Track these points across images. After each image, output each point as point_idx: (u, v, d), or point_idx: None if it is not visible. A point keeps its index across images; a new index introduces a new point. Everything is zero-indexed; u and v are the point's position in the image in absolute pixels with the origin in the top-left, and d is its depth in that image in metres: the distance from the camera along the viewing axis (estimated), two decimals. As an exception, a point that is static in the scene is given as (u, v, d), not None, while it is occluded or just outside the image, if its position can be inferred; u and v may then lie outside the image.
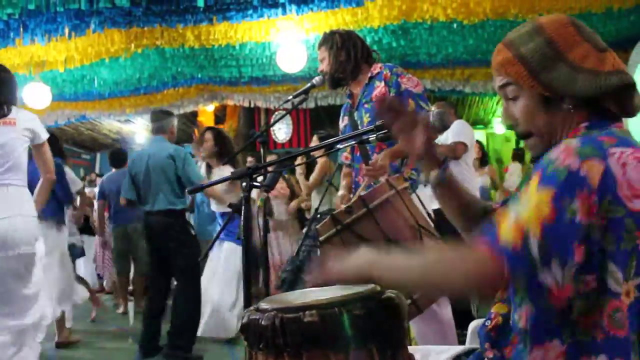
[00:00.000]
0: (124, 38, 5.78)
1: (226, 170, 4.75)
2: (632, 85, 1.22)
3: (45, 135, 3.48)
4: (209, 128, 5.70)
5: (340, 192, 3.28)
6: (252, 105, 8.89)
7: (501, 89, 1.31)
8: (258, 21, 5.75)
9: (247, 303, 1.84)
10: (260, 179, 2.02)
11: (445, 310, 2.82)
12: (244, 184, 1.98)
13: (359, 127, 3.01)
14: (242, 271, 1.93)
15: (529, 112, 1.27)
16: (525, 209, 1.09)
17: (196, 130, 10.52)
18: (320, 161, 5.68)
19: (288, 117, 10.91)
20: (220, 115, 11.25)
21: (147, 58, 6.56)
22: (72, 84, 7.33)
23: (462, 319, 3.61)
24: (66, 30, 5.38)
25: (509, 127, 1.34)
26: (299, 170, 5.75)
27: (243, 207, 1.97)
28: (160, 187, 4.48)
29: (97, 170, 12.62)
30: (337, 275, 1.24)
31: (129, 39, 5.83)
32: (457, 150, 4.42)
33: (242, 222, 1.97)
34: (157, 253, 4.60)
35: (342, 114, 3.27)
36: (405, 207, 2.26)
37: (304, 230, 6.20)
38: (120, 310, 6.83)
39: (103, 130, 11.84)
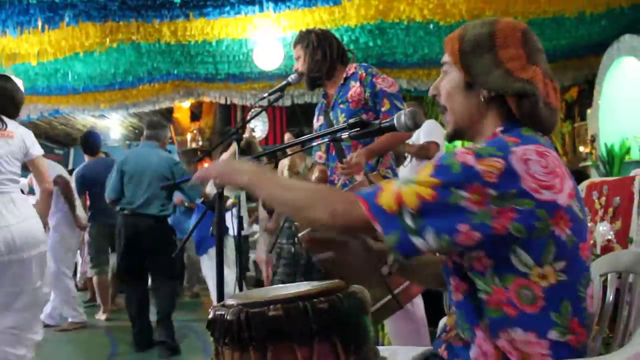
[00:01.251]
0: (98, 32, 5.71)
1: None
2: (533, 96, 1.27)
3: (40, 150, 3.52)
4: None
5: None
6: (228, 102, 8.85)
7: (442, 62, 1.41)
8: (235, 18, 5.73)
9: (220, 299, 1.84)
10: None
11: (418, 308, 2.85)
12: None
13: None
14: (216, 267, 1.93)
15: (450, 88, 1.37)
16: (408, 184, 1.18)
17: (172, 127, 10.46)
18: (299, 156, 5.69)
19: (264, 114, 10.89)
20: (196, 112, 11.19)
21: (122, 53, 6.49)
22: (45, 78, 7.21)
23: (434, 316, 3.64)
24: (39, 23, 5.29)
25: (433, 97, 1.44)
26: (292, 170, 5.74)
27: (216, 204, 1.97)
28: (156, 193, 4.56)
29: (70, 166, 12.44)
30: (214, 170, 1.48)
31: (104, 33, 5.75)
32: (430, 149, 4.44)
33: (215, 219, 1.96)
34: (139, 253, 4.61)
35: (316, 114, 3.27)
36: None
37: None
38: (104, 317, 6.20)
39: (77, 125, 11.68)
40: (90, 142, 6.21)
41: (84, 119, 11.34)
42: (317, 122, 3.23)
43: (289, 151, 4.59)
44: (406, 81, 7.95)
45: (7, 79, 3.52)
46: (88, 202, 6.12)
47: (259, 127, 11.10)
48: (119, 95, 8.35)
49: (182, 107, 10.60)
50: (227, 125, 10.60)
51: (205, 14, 5.61)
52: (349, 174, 2.77)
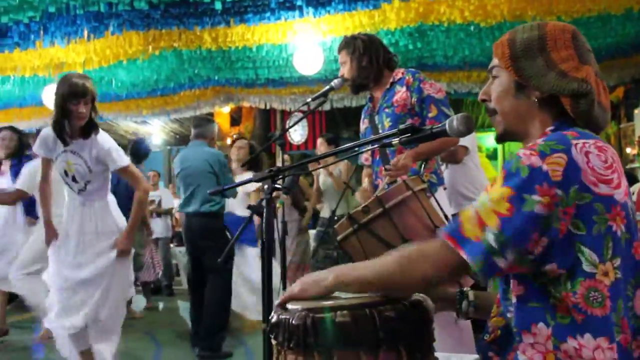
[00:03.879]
0: (141, 40, 5.82)
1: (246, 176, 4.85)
2: (590, 95, 1.28)
3: None
4: (242, 137, 5.84)
5: (364, 185, 3.26)
6: (268, 107, 8.91)
7: (490, 68, 1.43)
8: (275, 23, 5.77)
9: (269, 305, 1.84)
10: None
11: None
12: (265, 186, 1.98)
13: (379, 131, 3.01)
14: (262, 273, 1.93)
15: (501, 91, 1.39)
16: (485, 204, 1.19)
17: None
18: (346, 165, 5.69)
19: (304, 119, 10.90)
20: (236, 117, 11.31)
21: (164, 60, 6.60)
22: (90, 86, 7.37)
23: (479, 322, 3.58)
24: (85, 33, 5.44)
25: (483, 101, 1.47)
26: (327, 171, 5.73)
27: (265, 210, 1.97)
28: (197, 190, 4.60)
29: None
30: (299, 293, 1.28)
31: (146, 41, 5.87)
32: (458, 154, 4.35)
33: (263, 225, 1.97)
34: (194, 253, 4.75)
35: (362, 117, 3.27)
36: (422, 208, 2.26)
37: (315, 230, 6.23)
38: None
39: (120, 131, 11.91)
40: (138, 150, 6.34)
41: (127, 125, 11.56)
42: (363, 125, 3.22)
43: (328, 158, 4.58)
44: (446, 84, 7.88)
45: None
46: None
47: (298, 132, 11.14)
48: (161, 102, 8.49)
49: (222, 113, 10.71)
50: (267, 129, 10.66)
51: (245, 20, 5.67)
52: (395, 176, 2.75)
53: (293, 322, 1.08)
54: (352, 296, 1.20)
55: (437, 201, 2.53)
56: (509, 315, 1.31)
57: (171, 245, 8.69)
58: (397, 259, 1.24)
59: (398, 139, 1.60)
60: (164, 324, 6.11)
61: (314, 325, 1.06)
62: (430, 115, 2.88)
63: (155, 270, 7.23)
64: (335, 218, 4.40)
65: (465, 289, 1.64)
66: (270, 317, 1.16)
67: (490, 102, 1.42)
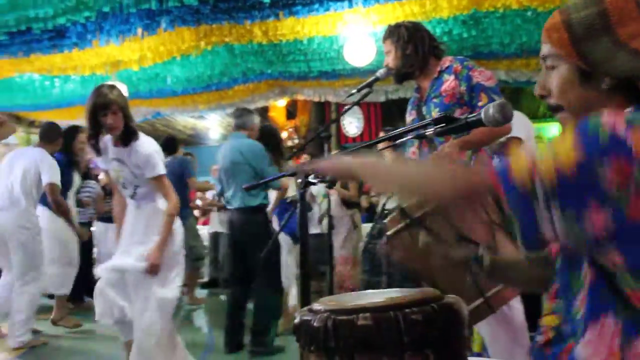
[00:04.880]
0: (193, 36, 5.89)
1: None
2: None
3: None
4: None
5: None
6: (322, 100, 8.88)
7: (543, 57, 1.26)
8: (324, 15, 5.72)
9: (306, 301, 1.80)
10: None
11: (517, 313, 2.70)
12: (299, 180, 1.94)
13: None
14: (300, 268, 1.90)
15: (564, 83, 1.20)
16: (546, 152, 1.00)
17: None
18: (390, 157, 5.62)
19: (359, 111, 10.83)
20: (291, 110, 11.36)
21: (216, 55, 6.66)
22: (146, 82, 7.53)
23: (534, 321, 3.45)
24: (139, 31, 5.54)
25: (541, 97, 1.27)
26: None
27: (299, 204, 1.93)
28: (238, 184, 4.51)
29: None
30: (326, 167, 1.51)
31: (198, 37, 5.93)
32: (510, 147, 4.09)
33: (298, 219, 1.93)
34: (237, 248, 4.65)
35: (409, 108, 3.20)
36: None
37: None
38: None
39: (178, 126, 12.14)
40: (168, 142, 6.75)
41: (185, 120, 11.78)
42: (410, 116, 3.15)
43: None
44: (504, 72, 7.62)
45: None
46: None
47: (354, 124, 11.07)
48: (216, 96, 8.59)
49: (278, 106, 10.77)
50: (322, 122, 10.66)
51: (294, 12, 5.63)
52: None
53: (315, 324, 1.04)
54: (378, 297, 1.13)
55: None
56: (573, 308, 1.14)
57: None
58: (434, 166, 1.25)
59: (433, 129, 1.53)
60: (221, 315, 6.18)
61: (335, 328, 1.01)
62: (480, 104, 2.78)
63: None
64: (386, 212, 4.32)
65: (480, 253, 1.49)
66: (293, 318, 1.12)
67: (551, 97, 1.24)
